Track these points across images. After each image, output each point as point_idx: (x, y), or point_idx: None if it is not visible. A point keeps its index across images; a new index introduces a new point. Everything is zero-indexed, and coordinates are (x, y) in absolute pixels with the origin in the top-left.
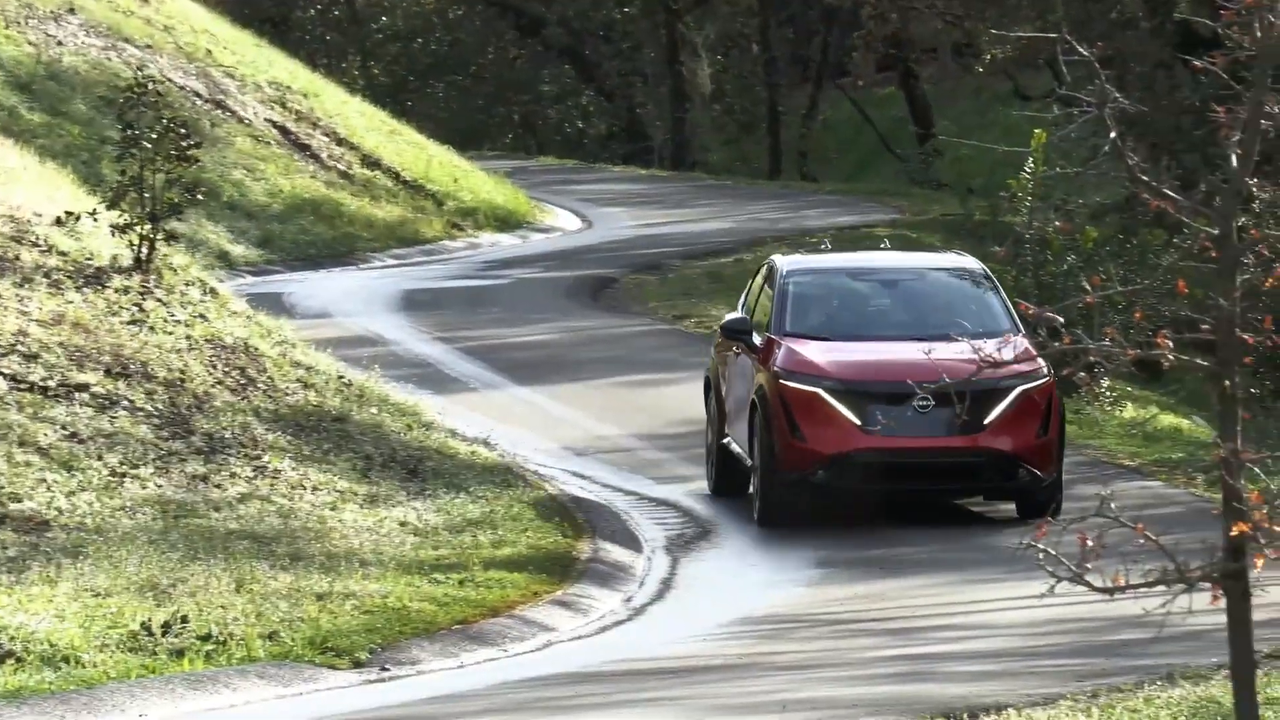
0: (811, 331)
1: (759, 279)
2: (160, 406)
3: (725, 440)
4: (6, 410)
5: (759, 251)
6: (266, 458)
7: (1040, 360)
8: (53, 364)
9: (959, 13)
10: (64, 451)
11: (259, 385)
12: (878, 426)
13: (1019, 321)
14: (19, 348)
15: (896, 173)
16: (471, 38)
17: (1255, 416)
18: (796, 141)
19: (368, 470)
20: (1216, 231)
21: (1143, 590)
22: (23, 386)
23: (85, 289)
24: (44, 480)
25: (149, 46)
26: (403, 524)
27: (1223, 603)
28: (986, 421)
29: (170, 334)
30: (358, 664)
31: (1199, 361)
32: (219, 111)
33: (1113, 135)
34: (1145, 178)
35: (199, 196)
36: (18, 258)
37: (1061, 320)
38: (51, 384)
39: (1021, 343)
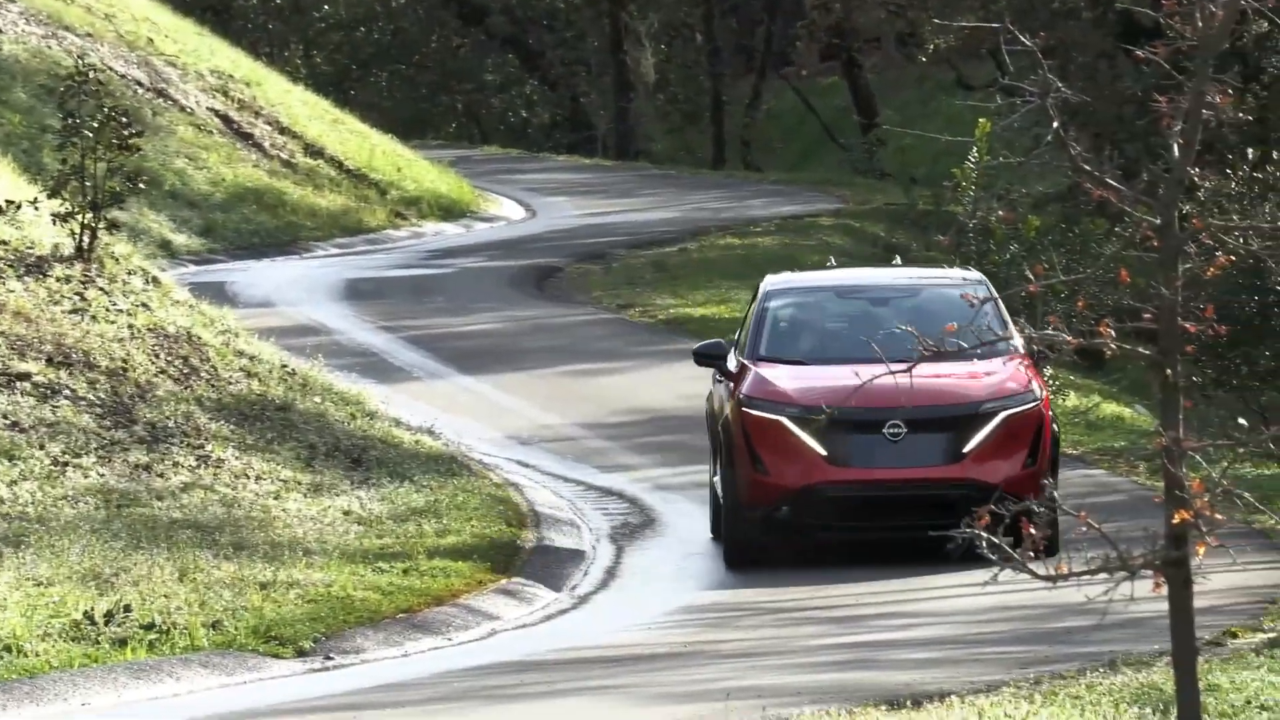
0: (787, 355)
1: (752, 299)
2: (103, 396)
3: (715, 478)
4: None
5: (703, 241)
6: (210, 447)
7: (1033, 383)
8: None
9: (902, 2)
10: (5, 441)
11: (202, 374)
12: (845, 457)
13: (1020, 342)
14: None
15: (840, 162)
16: (414, 26)
17: (1197, 405)
18: (740, 131)
19: (311, 459)
20: (1159, 221)
21: (1085, 578)
22: None
23: (26, 278)
24: None
25: (90, 35)
26: (347, 513)
27: (1165, 590)
28: (966, 450)
29: (112, 323)
30: (302, 653)
31: (1141, 350)
32: (161, 100)
33: (1055, 125)
34: (1088, 167)
35: (141, 185)
36: None
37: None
38: None
39: (1014, 364)
